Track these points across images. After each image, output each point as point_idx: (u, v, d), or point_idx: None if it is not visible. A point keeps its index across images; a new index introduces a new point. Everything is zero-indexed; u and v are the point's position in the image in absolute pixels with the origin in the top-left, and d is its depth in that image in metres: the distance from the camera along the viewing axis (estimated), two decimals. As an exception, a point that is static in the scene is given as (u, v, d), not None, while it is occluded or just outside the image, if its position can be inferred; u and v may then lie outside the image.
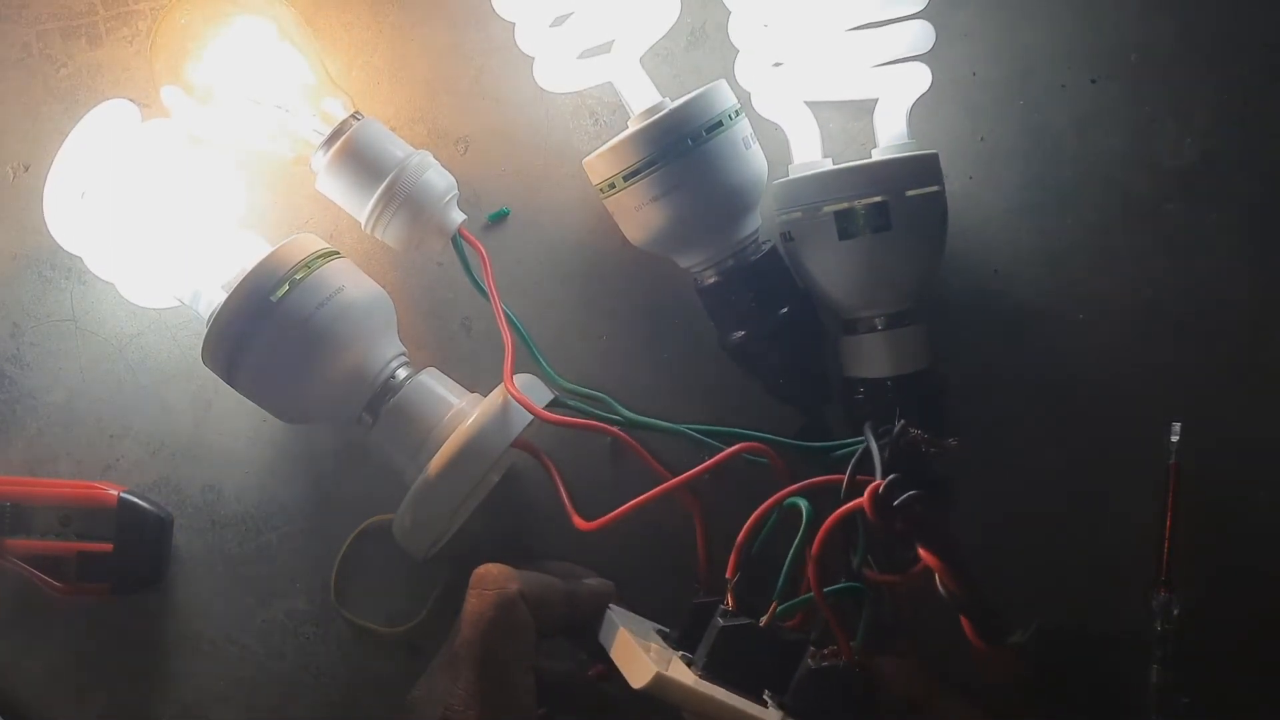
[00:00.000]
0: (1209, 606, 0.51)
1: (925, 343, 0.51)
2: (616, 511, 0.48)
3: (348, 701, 0.55)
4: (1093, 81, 0.55)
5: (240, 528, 0.56)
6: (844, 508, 0.43)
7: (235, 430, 0.56)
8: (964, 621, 0.41)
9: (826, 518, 0.43)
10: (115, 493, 0.54)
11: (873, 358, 0.50)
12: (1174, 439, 0.51)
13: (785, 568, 0.45)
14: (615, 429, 0.52)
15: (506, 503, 0.55)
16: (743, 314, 0.51)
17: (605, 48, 0.51)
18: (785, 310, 0.51)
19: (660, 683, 0.41)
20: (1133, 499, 0.53)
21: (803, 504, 0.45)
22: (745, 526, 0.46)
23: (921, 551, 0.41)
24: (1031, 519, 0.53)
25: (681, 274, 0.53)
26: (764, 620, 0.45)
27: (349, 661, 0.55)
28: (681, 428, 0.53)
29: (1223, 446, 0.53)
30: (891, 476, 0.41)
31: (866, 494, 0.41)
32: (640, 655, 0.42)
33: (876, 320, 0.50)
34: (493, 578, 0.46)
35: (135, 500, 0.54)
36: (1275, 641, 0.52)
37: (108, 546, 0.53)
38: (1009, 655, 0.42)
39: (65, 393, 0.57)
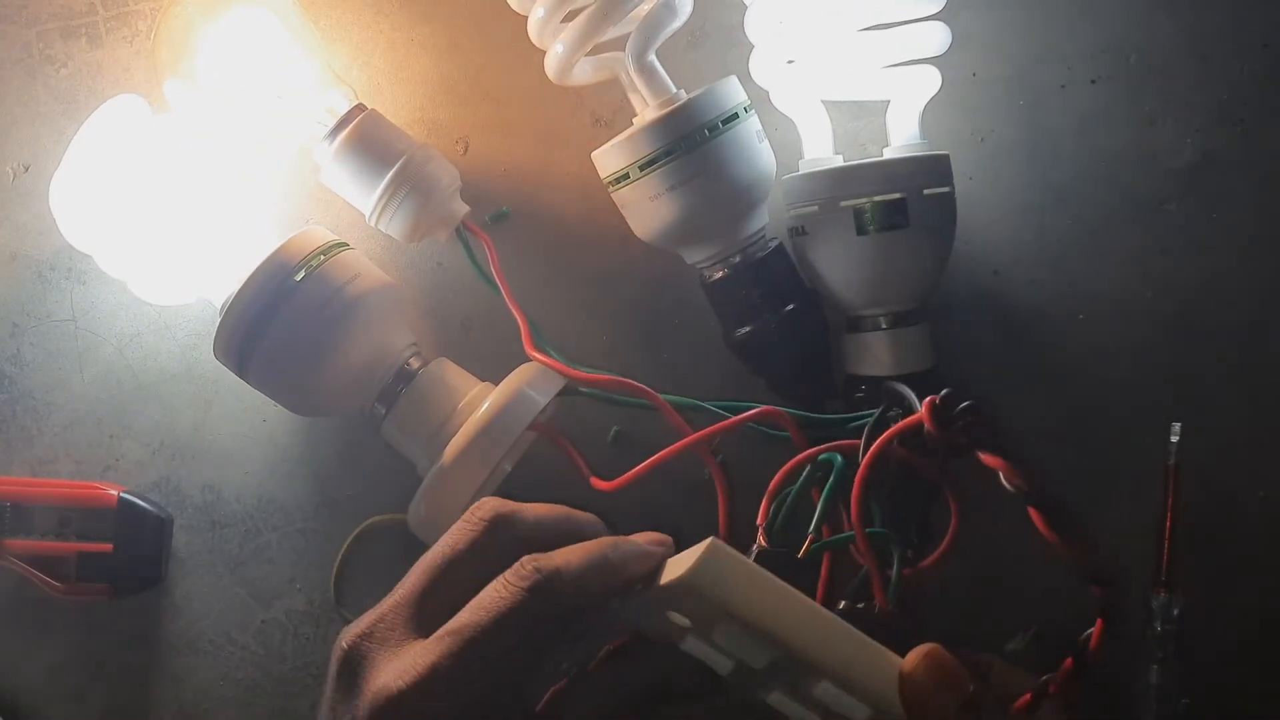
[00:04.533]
0: (1209, 606, 0.51)
1: (928, 343, 0.51)
2: (636, 470, 0.48)
3: (348, 701, 0.55)
4: (1093, 81, 0.55)
5: (240, 528, 0.56)
6: (892, 429, 0.44)
7: (235, 430, 0.56)
8: (1034, 515, 0.41)
9: (853, 488, 0.44)
10: (115, 493, 0.54)
11: (877, 356, 0.50)
12: (1174, 439, 0.51)
13: (820, 509, 0.46)
14: (643, 386, 0.50)
15: (516, 497, 0.55)
16: (749, 310, 0.51)
17: (615, 43, 0.51)
18: (791, 307, 0.51)
19: (716, 551, 0.37)
20: (1133, 499, 0.53)
21: (836, 457, 0.47)
22: (777, 476, 0.47)
23: (983, 457, 0.41)
24: (1031, 519, 0.53)
25: (682, 273, 0.53)
26: (801, 552, 0.45)
27: (349, 661, 0.55)
28: (698, 402, 0.52)
29: (1223, 446, 0.53)
30: (946, 390, 0.42)
31: (924, 406, 0.42)
32: (690, 552, 0.39)
33: (882, 319, 0.50)
34: None
35: (135, 500, 0.54)
36: (1275, 641, 0.52)
37: (108, 546, 0.53)
38: (1081, 546, 0.42)
39: (65, 393, 0.57)
